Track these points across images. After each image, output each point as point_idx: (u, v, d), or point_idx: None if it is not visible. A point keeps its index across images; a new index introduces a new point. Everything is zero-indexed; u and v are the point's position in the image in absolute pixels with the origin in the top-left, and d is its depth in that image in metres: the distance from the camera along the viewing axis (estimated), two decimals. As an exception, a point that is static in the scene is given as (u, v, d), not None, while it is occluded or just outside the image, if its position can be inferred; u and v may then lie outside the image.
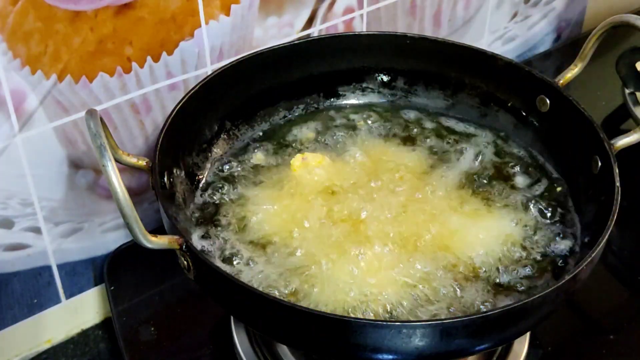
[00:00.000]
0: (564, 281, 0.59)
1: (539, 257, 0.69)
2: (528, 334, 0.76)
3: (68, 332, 0.88)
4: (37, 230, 0.79)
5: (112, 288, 0.84)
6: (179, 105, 0.72)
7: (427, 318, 0.63)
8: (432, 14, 1.00)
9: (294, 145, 0.80)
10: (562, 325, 0.80)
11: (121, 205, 0.55)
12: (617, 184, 0.66)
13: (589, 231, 0.70)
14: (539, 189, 0.76)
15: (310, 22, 0.88)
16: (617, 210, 0.64)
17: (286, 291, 0.65)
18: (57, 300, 0.84)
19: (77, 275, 0.85)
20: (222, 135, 0.80)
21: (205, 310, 0.81)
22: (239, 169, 0.77)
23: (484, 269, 0.68)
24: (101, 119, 0.59)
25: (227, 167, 0.77)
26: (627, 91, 0.98)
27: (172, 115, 0.71)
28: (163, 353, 0.78)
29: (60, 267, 0.82)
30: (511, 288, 0.67)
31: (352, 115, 0.84)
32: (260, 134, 0.82)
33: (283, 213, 0.72)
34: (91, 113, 0.58)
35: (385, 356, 0.58)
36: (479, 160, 0.79)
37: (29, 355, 0.85)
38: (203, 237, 0.70)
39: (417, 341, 0.56)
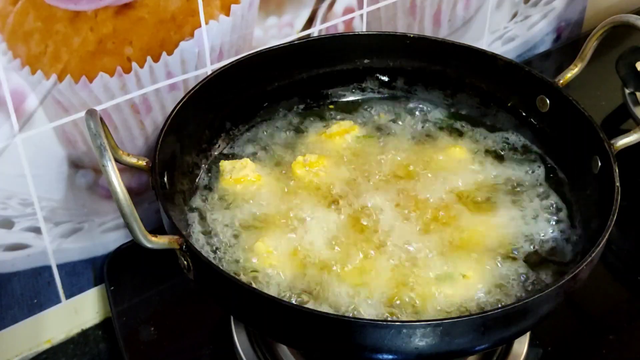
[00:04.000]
0: (564, 281, 0.59)
1: (538, 257, 0.69)
2: (528, 334, 0.76)
3: (68, 332, 0.88)
4: (37, 230, 0.79)
5: (112, 288, 0.84)
6: (179, 105, 0.72)
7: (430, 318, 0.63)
8: (432, 14, 1.00)
9: (294, 145, 0.80)
10: (562, 325, 0.80)
11: (121, 205, 0.55)
12: (617, 184, 0.66)
13: (589, 231, 0.70)
14: (538, 188, 0.76)
15: (310, 22, 0.88)
16: (617, 210, 0.64)
17: (294, 293, 0.65)
18: (57, 300, 0.84)
19: (77, 275, 0.85)
20: (222, 135, 0.80)
21: (205, 310, 0.81)
22: (240, 169, 0.77)
23: (483, 267, 0.68)
24: (101, 119, 0.59)
25: (227, 167, 0.77)
26: (627, 91, 0.98)
27: (172, 115, 0.71)
28: (163, 353, 0.78)
29: (60, 267, 0.82)
30: (511, 287, 0.67)
31: (352, 115, 0.84)
32: (261, 134, 0.82)
33: (284, 214, 0.72)
34: (91, 113, 0.58)
35: (385, 356, 0.58)
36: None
37: (29, 355, 0.85)
38: (203, 236, 0.70)
39: (417, 341, 0.56)
